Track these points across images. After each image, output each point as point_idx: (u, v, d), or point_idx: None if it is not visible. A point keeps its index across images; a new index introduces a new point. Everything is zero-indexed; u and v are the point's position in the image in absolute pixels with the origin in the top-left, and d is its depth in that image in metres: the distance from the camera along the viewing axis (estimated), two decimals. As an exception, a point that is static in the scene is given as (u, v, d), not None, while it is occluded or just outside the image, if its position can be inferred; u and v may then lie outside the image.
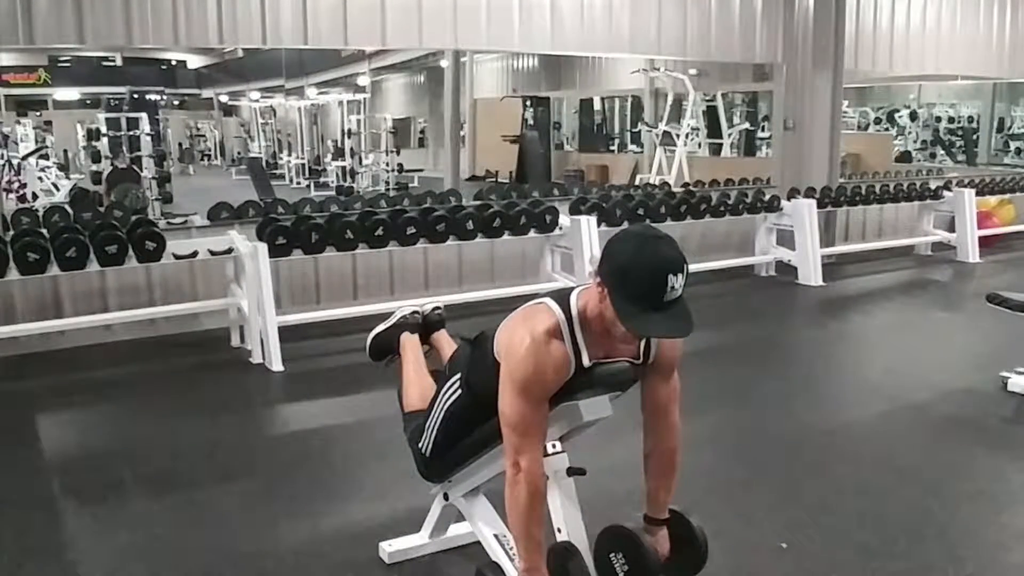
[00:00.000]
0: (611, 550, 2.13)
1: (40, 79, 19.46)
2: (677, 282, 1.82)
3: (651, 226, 1.95)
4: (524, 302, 2.15)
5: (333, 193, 12.41)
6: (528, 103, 17.05)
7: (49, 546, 2.95)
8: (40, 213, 6.51)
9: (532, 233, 6.25)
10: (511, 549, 2.36)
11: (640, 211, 6.82)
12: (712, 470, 3.45)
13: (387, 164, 15.75)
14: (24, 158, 12.45)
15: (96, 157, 11.34)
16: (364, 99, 16.66)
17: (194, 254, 5.19)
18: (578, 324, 2.00)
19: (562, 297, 2.04)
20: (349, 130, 16.10)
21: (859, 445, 3.86)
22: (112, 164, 10.87)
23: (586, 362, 2.01)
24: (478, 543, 2.48)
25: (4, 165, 11.54)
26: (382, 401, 3.39)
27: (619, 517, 3.00)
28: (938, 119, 16.26)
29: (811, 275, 7.35)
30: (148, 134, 11.48)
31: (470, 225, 5.89)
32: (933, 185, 8.74)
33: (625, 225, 6.59)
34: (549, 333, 1.97)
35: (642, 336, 2.02)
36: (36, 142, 14.60)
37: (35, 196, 11.39)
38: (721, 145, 14.86)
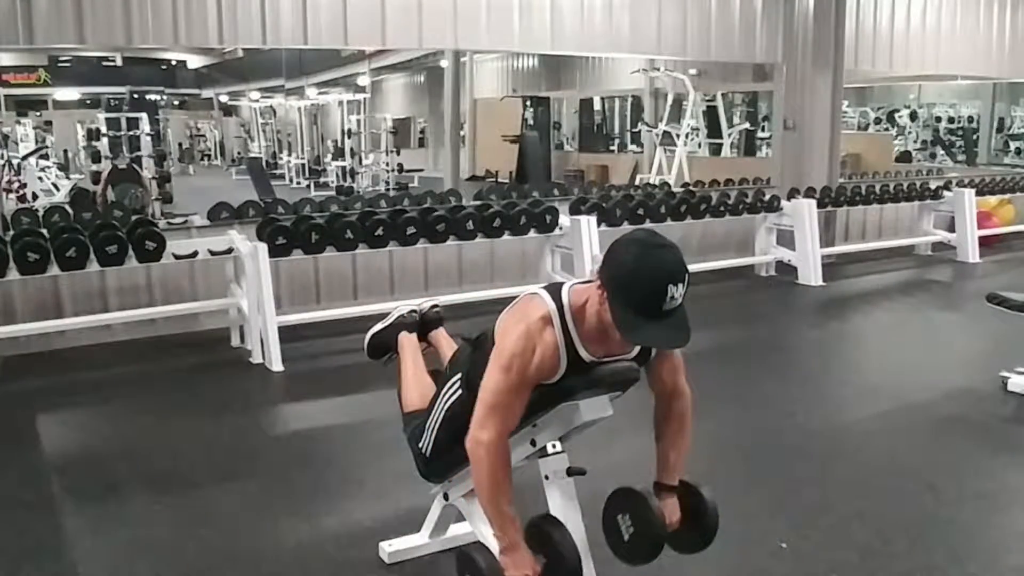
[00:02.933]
0: (618, 511, 2.13)
1: (40, 79, 19.47)
2: (677, 292, 1.82)
3: (655, 232, 1.93)
4: (524, 302, 2.14)
5: (333, 193, 12.42)
6: (528, 103, 17.05)
7: (49, 546, 2.95)
8: (40, 213, 6.51)
9: (532, 233, 6.24)
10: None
11: (640, 211, 6.82)
12: (712, 470, 3.44)
13: (387, 164, 15.76)
14: (24, 158, 12.46)
15: (96, 157, 11.34)
16: (364, 99, 16.67)
17: (194, 254, 5.18)
18: (570, 317, 2.00)
19: (554, 290, 2.05)
20: (349, 130, 16.11)
21: (859, 445, 3.86)
22: (112, 164, 10.87)
23: (584, 356, 2.02)
24: (478, 543, 2.48)
25: (4, 165, 11.54)
26: (382, 401, 3.39)
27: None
28: (938, 119, 16.28)
29: (811, 275, 7.35)
30: (148, 134, 11.50)
31: (470, 225, 5.89)
32: (933, 185, 8.74)
33: (625, 225, 6.60)
34: (543, 320, 1.99)
35: (637, 344, 2.03)
36: (36, 142, 14.62)
37: (35, 196, 11.40)
38: (721, 145, 14.86)
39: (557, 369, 2.02)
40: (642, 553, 2.10)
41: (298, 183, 17.26)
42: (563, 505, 2.20)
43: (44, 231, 5.20)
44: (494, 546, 2.12)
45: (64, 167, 15.95)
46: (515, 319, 2.03)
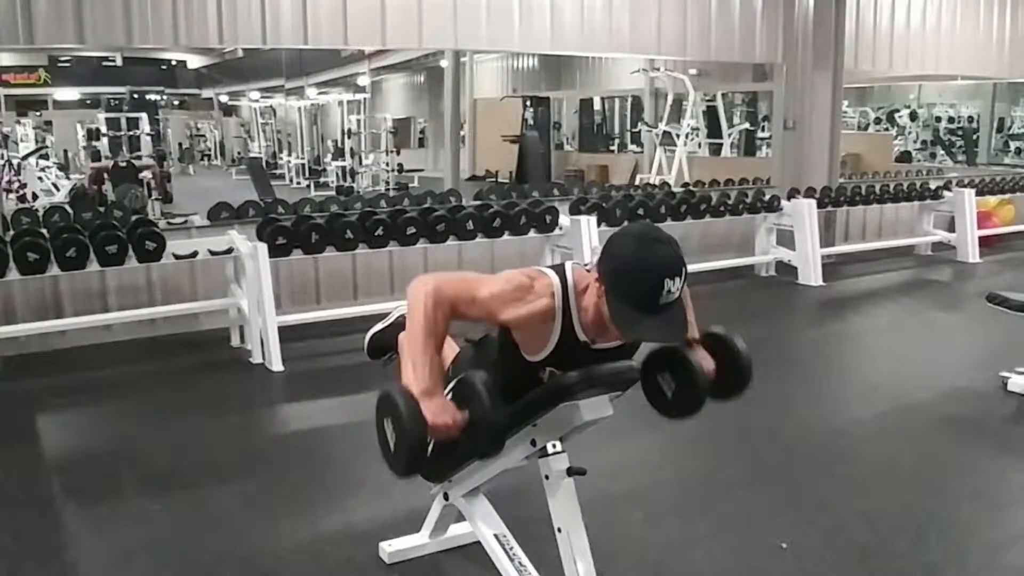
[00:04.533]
0: (658, 372, 2.14)
1: (40, 79, 19.47)
2: (674, 286, 1.82)
3: (652, 225, 1.94)
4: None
5: (333, 193, 12.41)
6: (528, 103, 17.04)
7: (49, 546, 2.95)
8: (40, 213, 6.51)
9: (532, 233, 6.25)
10: (511, 549, 2.36)
11: (640, 211, 6.82)
12: (712, 470, 3.45)
13: (387, 164, 15.75)
14: (24, 158, 12.46)
15: (96, 157, 11.34)
16: (364, 99, 16.67)
17: (194, 254, 5.19)
18: (572, 296, 2.01)
19: (558, 269, 2.06)
20: (349, 130, 16.10)
21: (859, 445, 3.86)
22: (113, 163, 10.87)
23: (580, 336, 2.01)
24: (478, 543, 2.48)
25: (4, 165, 11.54)
26: (382, 401, 3.38)
27: (619, 516, 3.00)
28: (938, 119, 16.26)
29: (811, 275, 7.35)
30: (148, 134, 11.52)
31: (470, 225, 5.89)
32: (933, 185, 8.74)
33: (625, 225, 6.59)
34: (547, 287, 2.00)
35: (633, 340, 2.03)
36: (36, 142, 14.62)
37: (35, 196, 11.40)
38: (721, 145, 14.86)
39: (545, 340, 2.02)
40: (689, 405, 2.13)
41: (298, 183, 17.25)
42: (563, 505, 2.20)
43: (44, 231, 5.19)
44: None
45: (64, 167, 15.93)
46: (522, 274, 2.04)
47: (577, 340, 2.02)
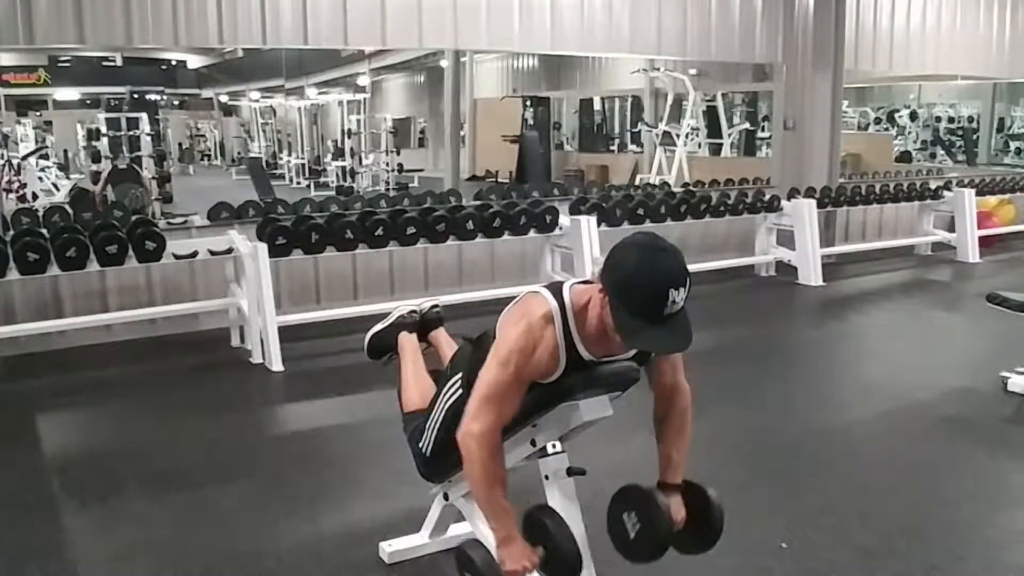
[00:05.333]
0: (624, 509, 2.12)
1: (40, 79, 19.46)
2: (679, 296, 1.82)
3: (656, 235, 1.92)
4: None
5: (333, 193, 12.42)
6: (528, 103, 17.05)
7: (49, 546, 2.95)
8: (40, 213, 6.50)
9: (532, 233, 6.25)
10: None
11: (640, 211, 6.82)
12: (712, 470, 3.44)
13: (387, 164, 15.76)
14: (24, 158, 12.44)
15: (96, 157, 11.33)
16: (364, 99, 16.67)
17: (194, 254, 5.19)
18: (571, 316, 2.00)
19: (555, 289, 2.05)
20: (349, 130, 16.10)
21: (859, 445, 3.86)
22: (112, 164, 10.87)
23: (585, 355, 2.02)
24: (474, 540, 2.48)
25: (4, 165, 11.53)
26: (382, 401, 3.39)
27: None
28: (938, 119, 16.26)
29: (811, 275, 7.35)
30: (148, 134, 11.50)
31: (470, 225, 5.89)
32: (933, 185, 8.75)
33: (625, 226, 6.60)
34: (544, 319, 1.99)
35: (638, 349, 2.04)
36: (36, 142, 14.60)
37: (35, 196, 11.39)
38: (721, 145, 14.86)
39: (556, 368, 2.02)
40: (648, 552, 2.08)
41: (298, 183, 17.25)
42: (563, 505, 2.20)
43: (44, 231, 5.19)
44: (491, 542, 2.13)
45: (64, 167, 15.94)
46: (517, 316, 2.03)
47: (583, 360, 2.02)
